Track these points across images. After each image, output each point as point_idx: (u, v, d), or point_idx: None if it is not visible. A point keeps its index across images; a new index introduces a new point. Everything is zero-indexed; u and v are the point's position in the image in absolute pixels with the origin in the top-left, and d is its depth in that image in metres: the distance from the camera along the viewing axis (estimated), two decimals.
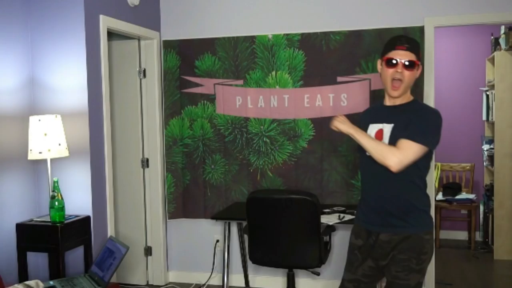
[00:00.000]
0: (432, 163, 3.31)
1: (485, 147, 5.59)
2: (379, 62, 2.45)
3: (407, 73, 2.34)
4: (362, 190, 2.56)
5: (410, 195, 2.38)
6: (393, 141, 2.34)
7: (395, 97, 2.41)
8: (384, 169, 2.30)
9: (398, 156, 2.26)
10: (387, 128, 2.39)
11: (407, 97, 2.44)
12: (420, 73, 2.42)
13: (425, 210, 2.42)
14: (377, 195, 2.43)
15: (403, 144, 2.28)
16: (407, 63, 2.33)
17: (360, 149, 2.45)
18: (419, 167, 2.37)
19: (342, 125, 2.41)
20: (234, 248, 4.36)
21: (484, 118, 5.69)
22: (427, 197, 2.45)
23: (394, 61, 2.34)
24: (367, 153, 2.40)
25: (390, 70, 2.36)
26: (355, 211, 2.69)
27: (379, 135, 2.41)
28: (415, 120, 2.33)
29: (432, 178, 3.94)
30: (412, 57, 2.34)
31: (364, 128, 2.47)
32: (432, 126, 2.34)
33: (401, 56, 2.33)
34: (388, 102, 2.47)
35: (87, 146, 3.47)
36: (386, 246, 2.39)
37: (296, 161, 4.18)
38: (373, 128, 2.46)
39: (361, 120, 2.59)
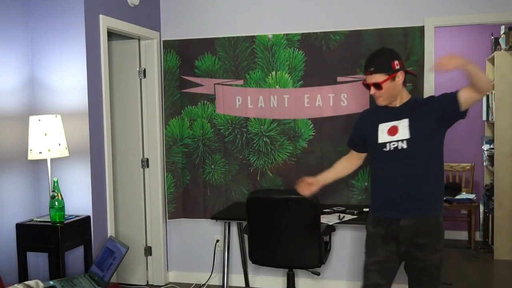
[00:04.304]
0: None
1: (485, 147, 5.59)
2: None
3: (381, 90, 2.56)
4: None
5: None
6: (414, 132, 2.54)
7: (386, 105, 2.64)
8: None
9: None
10: (403, 123, 2.58)
11: (405, 96, 2.67)
12: (403, 77, 2.59)
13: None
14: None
15: (465, 89, 2.54)
16: (376, 85, 2.56)
17: (376, 146, 2.64)
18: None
19: (455, 60, 2.35)
20: (234, 248, 4.36)
21: (484, 118, 5.69)
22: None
23: (367, 85, 2.62)
24: (385, 149, 2.60)
25: (369, 91, 2.63)
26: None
27: (393, 130, 2.60)
28: (430, 101, 2.64)
29: None
30: (378, 78, 2.54)
31: (370, 129, 2.68)
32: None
33: (370, 80, 2.59)
34: (389, 104, 2.67)
35: (87, 146, 3.47)
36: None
37: (296, 161, 4.18)
38: (385, 127, 2.63)
39: (361, 122, 2.80)
